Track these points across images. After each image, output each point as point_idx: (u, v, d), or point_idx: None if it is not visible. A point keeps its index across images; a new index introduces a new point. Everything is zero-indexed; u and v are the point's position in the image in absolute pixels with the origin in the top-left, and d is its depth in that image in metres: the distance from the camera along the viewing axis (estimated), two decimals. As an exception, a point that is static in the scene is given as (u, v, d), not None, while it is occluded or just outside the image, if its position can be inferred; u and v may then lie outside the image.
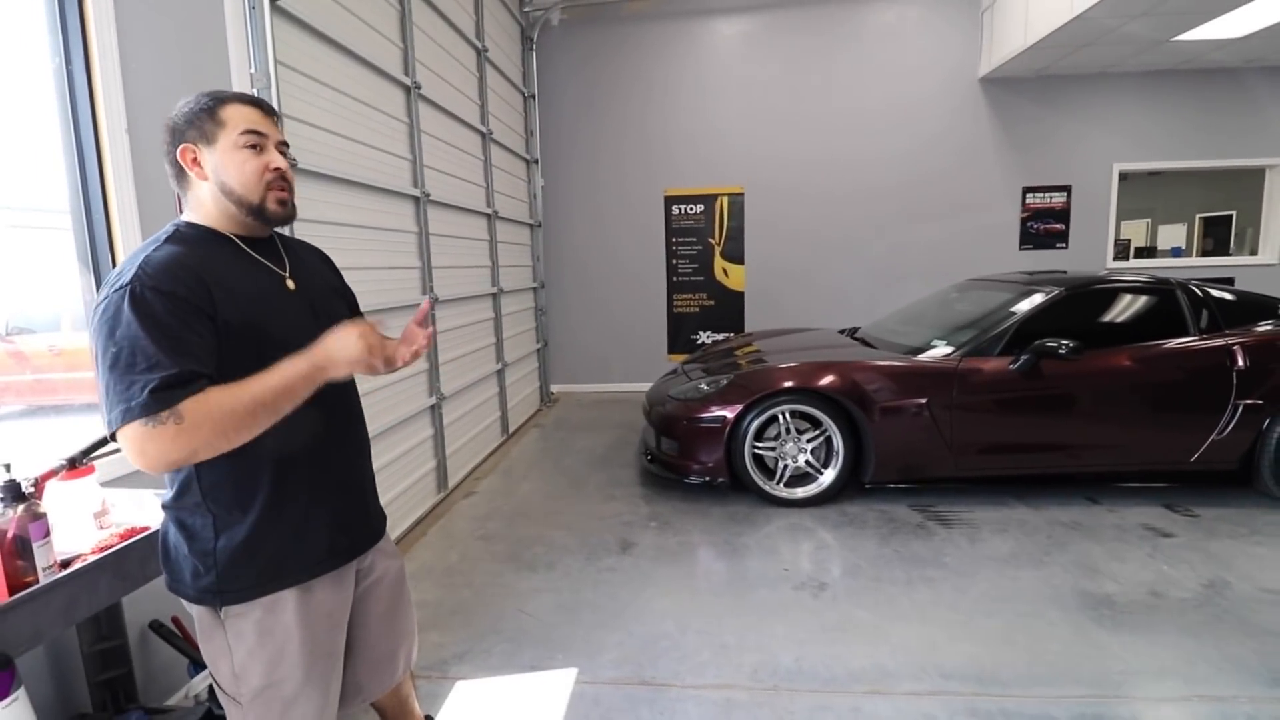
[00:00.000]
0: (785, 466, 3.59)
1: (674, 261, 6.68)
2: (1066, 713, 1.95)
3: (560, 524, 3.47)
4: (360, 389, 1.42)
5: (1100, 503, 3.51)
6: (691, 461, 3.67)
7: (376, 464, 1.70)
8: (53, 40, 1.83)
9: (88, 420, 2.11)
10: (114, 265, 1.93)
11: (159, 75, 2.05)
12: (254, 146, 1.18)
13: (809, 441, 3.56)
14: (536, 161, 6.30)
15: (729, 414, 3.54)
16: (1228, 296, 3.64)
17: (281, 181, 1.21)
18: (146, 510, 1.61)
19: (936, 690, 2.07)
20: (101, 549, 1.36)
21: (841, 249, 6.49)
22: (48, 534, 1.29)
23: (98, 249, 1.92)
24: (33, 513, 1.27)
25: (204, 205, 1.21)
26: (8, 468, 1.29)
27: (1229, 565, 2.81)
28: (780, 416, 3.54)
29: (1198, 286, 3.65)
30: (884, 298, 6.19)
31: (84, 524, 1.47)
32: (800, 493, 3.58)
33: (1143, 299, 3.65)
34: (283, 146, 1.24)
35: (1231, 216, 7.96)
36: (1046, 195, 6.33)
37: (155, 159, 2.01)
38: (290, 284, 1.26)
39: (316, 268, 1.41)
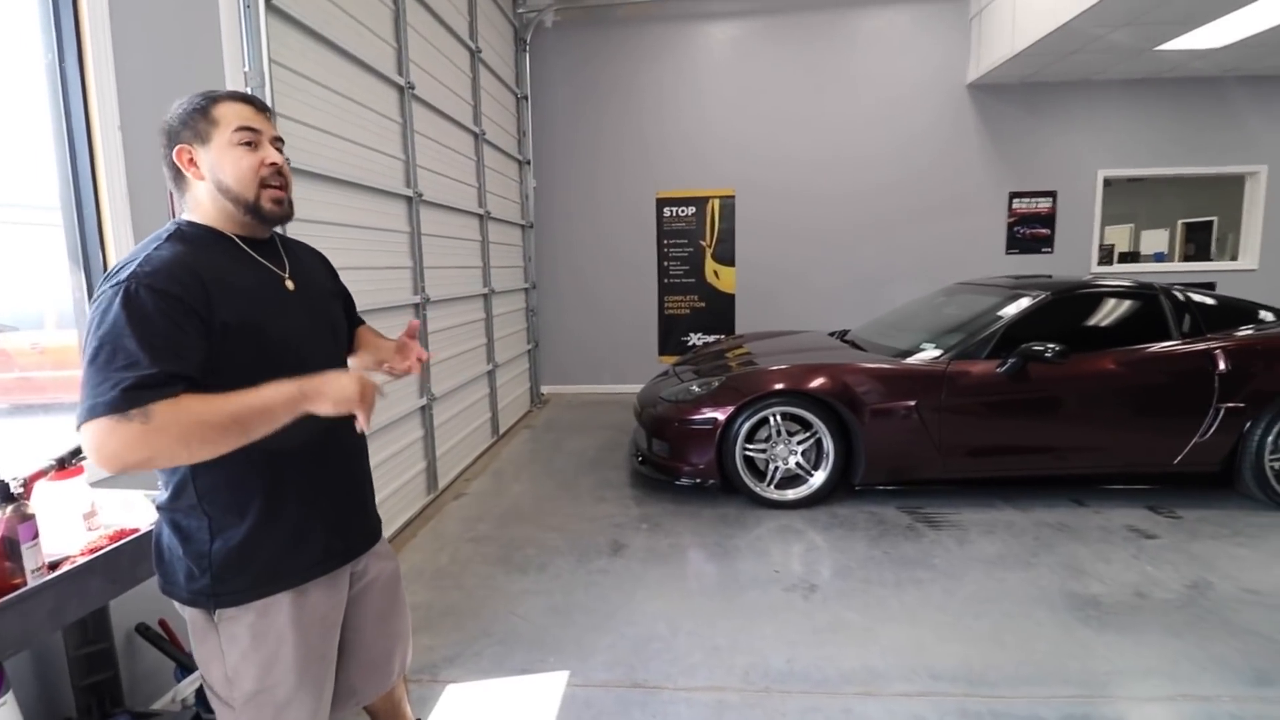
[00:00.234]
0: (776, 468, 3.61)
1: (665, 263, 6.69)
2: (1055, 713, 1.97)
3: (551, 526, 3.46)
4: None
5: (1086, 504, 3.56)
6: (683, 463, 3.67)
7: (369, 465, 1.69)
8: (45, 36, 1.81)
9: (72, 420, 2.08)
10: (105, 263, 1.91)
11: (153, 72, 2.03)
12: (249, 143, 1.17)
13: (800, 443, 3.58)
14: (529, 162, 6.30)
15: (720, 416, 3.55)
16: (1209, 301, 3.71)
17: (278, 178, 1.21)
18: (135, 511, 1.59)
19: (926, 691, 2.08)
20: (92, 550, 1.34)
21: (831, 252, 6.54)
22: (36, 535, 1.27)
23: (89, 247, 1.90)
24: (21, 514, 1.26)
25: (202, 205, 1.20)
26: (-4, 468, 1.27)
27: (1211, 566, 2.85)
28: (771, 418, 3.56)
29: (1180, 291, 3.71)
30: (873, 301, 6.24)
31: (73, 525, 1.45)
32: (791, 494, 3.60)
33: (1127, 303, 3.71)
34: (278, 142, 1.23)
35: (1212, 222, 8.09)
36: (1032, 200, 6.41)
37: (148, 156, 2.00)
38: (289, 284, 1.26)
39: (315, 269, 1.40)
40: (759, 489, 3.60)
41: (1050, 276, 4.36)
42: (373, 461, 3.12)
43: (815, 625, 2.48)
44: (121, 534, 1.42)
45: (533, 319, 6.47)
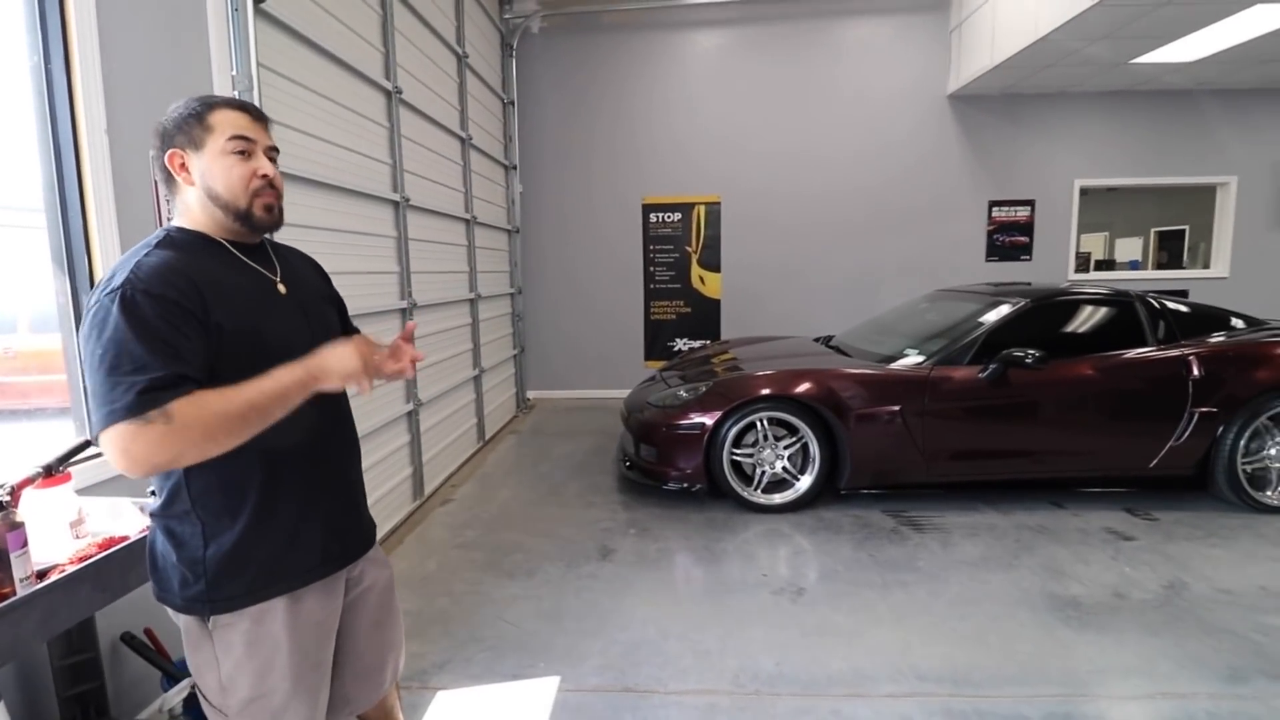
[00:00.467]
0: (763, 473, 3.64)
1: (651, 269, 6.72)
2: (1038, 711, 2.01)
3: (539, 531, 3.46)
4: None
5: (1065, 507, 3.63)
6: (670, 468, 3.69)
7: (355, 471, 1.69)
8: (31, 38, 1.79)
9: (42, 426, 2.04)
10: (90, 267, 1.89)
11: (140, 76, 2.02)
12: (242, 153, 1.17)
13: (786, 448, 3.62)
14: (515, 167, 6.30)
15: (708, 421, 3.58)
16: (1183, 309, 3.81)
17: (269, 189, 1.20)
18: (124, 519, 1.57)
19: (913, 692, 2.12)
20: (81, 559, 1.32)
21: (816, 258, 6.61)
22: (25, 544, 1.25)
23: (74, 251, 1.87)
24: (10, 522, 1.24)
25: (192, 211, 1.20)
26: (-16, 476, 1.25)
27: (1187, 567, 2.93)
28: (758, 423, 3.59)
29: (1155, 299, 3.80)
30: (857, 307, 6.32)
31: (60, 534, 1.43)
32: (778, 499, 3.63)
33: (1104, 310, 3.79)
34: (272, 152, 1.23)
35: (1184, 231, 8.30)
36: (1011, 209, 6.54)
37: (135, 160, 1.99)
38: (281, 288, 1.26)
39: (307, 274, 1.40)
40: (746, 493, 3.63)
41: (1029, 284, 4.45)
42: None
43: (803, 628, 2.50)
44: (110, 542, 1.41)
45: (518, 324, 6.47)
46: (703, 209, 6.60)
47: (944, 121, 6.41)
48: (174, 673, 1.87)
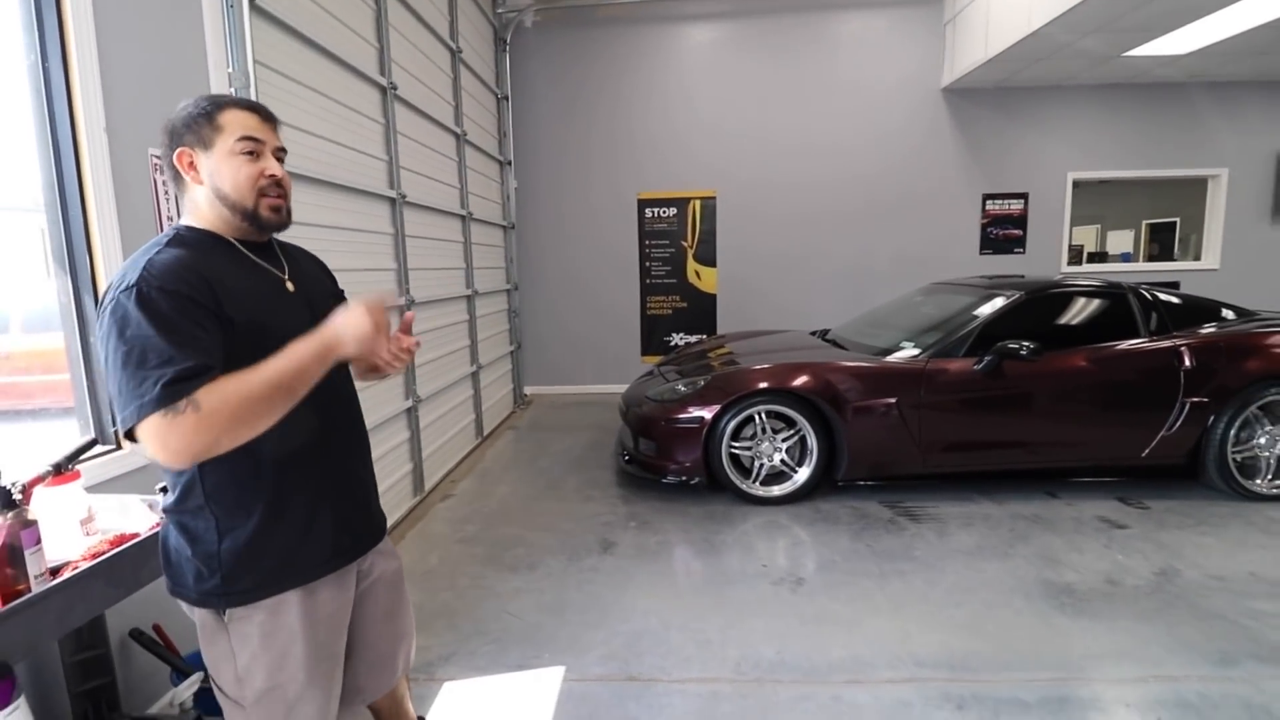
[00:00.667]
0: (761, 465, 3.67)
1: (647, 264, 6.73)
2: (1033, 695, 2.05)
3: (540, 525, 3.49)
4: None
5: (1059, 497, 3.68)
6: (669, 461, 3.72)
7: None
8: (28, 37, 1.79)
9: (36, 426, 2.04)
10: (92, 265, 1.89)
11: (138, 74, 2.02)
12: (250, 153, 1.18)
13: (784, 441, 3.65)
14: (510, 163, 6.29)
15: (707, 414, 3.61)
16: (1175, 300, 3.85)
17: (276, 189, 1.21)
18: (132, 516, 1.59)
19: (912, 678, 2.16)
20: (94, 555, 1.34)
21: (811, 252, 6.64)
22: (38, 541, 1.27)
23: (75, 250, 1.88)
24: (23, 520, 1.26)
25: (200, 209, 1.21)
26: (-3, 474, 1.27)
27: (1179, 554, 2.98)
28: (756, 416, 3.62)
29: (1147, 290, 3.85)
30: (852, 300, 6.35)
31: (71, 531, 1.44)
32: (776, 491, 3.67)
33: (1097, 302, 3.84)
34: (280, 153, 1.24)
35: (1175, 223, 8.37)
36: (1005, 202, 6.58)
37: (135, 158, 1.99)
38: (290, 286, 1.27)
39: (313, 272, 1.41)
40: (745, 486, 3.66)
41: (1023, 276, 4.49)
42: (361, 463, 3.13)
43: (803, 617, 2.54)
44: (122, 539, 1.42)
45: (515, 320, 6.47)
46: (698, 204, 6.62)
47: (938, 115, 6.44)
48: (183, 667, 1.89)
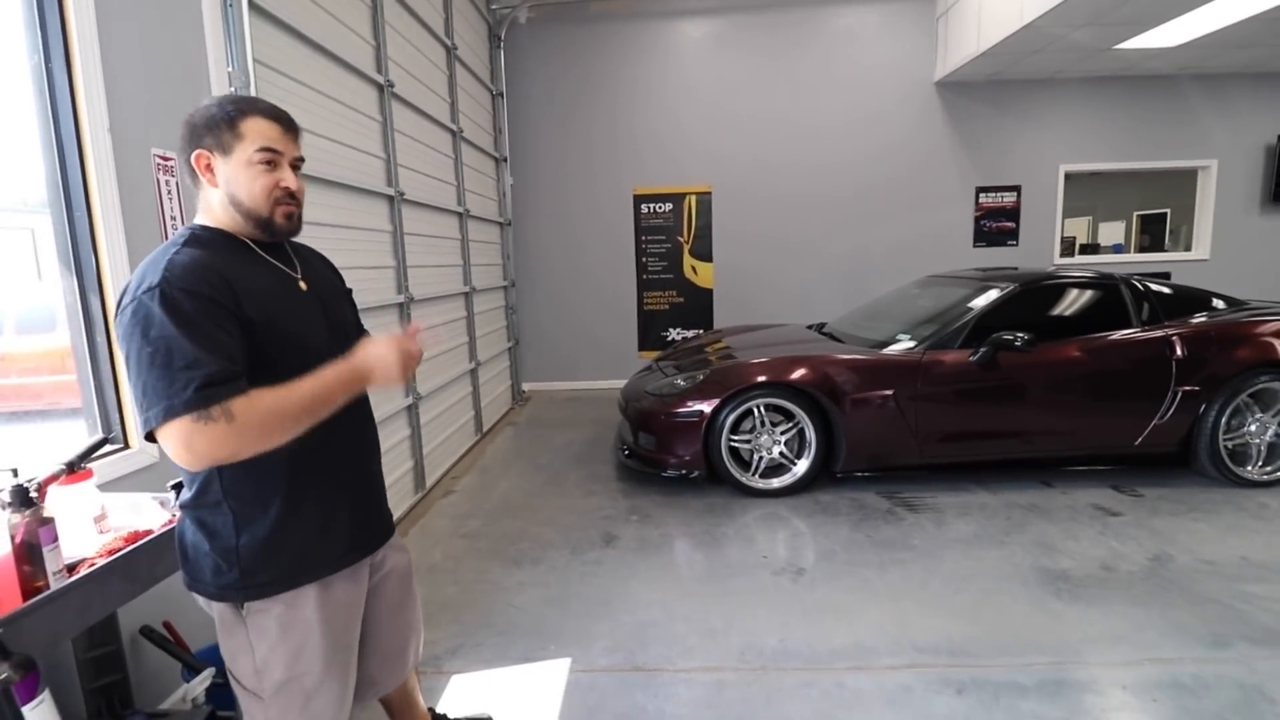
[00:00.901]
0: (760, 458, 3.71)
1: (643, 259, 6.75)
2: (1031, 679, 2.09)
3: (542, 520, 3.51)
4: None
5: (1053, 485, 3.73)
6: (669, 455, 3.75)
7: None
8: (30, 37, 1.79)
9: (20, 429, 2.05)
10: (97, 265, 1.90)
11: (140, 73, 2.02)
12: (268, 163, 1.18)
13: (783, 433, 3.68)
14: (505, 159, 6.29)
15: (706, 408, 3.63)
16: (1166, 290, 3.90)
17: (290, 199, 1.22)
18: (144, 514, 1.60)
19: (912, 663, 2.20)
20: (110, 552, 1.35)
21: (806, 246, 6.67)
22: (56, 539, 1.28)
23: (80, 250, 1.88)
24: (39, 517, 1.27)
25: (213, 210, 1.22)
26: (15, 472, 1.28)
27: (1171, 540, 3.03)
28: (755, 410, 3.65)
29: (1139, 281, 3.89)
30: (848, 293, 6.39)
31: (85, 529, 1.46)
32: (775, 483, 3.70)
33: (1090, 293, 3.88)
34: (298, 162, 1.25)
35: (1166, 214, 8.44)
36: (998, 195, 6.62)
37: (138, 158, 2.00)
38: (303, 285, 1.29)
39: (323, 271, 1.43)
40: (744, 478, 3.70)
41: (1016, 269, 4.54)
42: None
43: (804, 606, 2.58)
44: (136, 535, 1.44)
45: (512, 316, 6.48)
46: (694, 199, 6.63)
47: (931, 108, 6.47)
48: (194, 663, 1.90)
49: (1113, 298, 3.80)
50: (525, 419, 5.85)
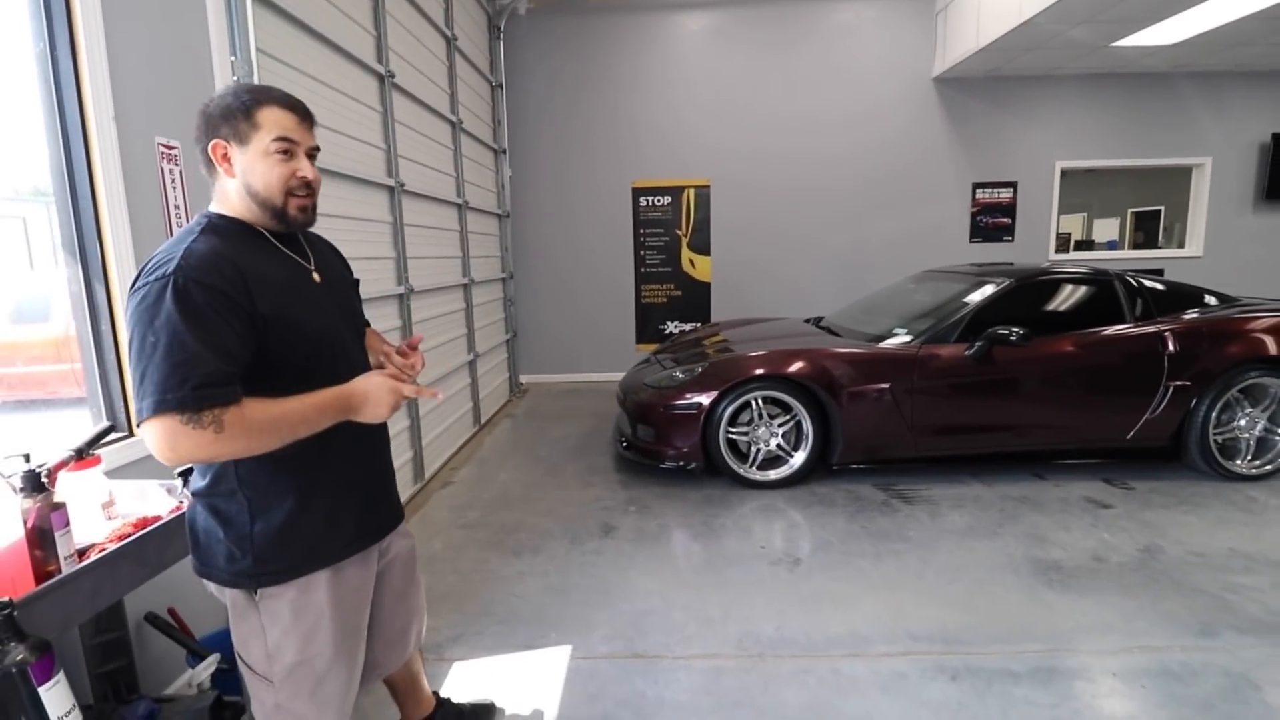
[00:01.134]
0: (758, 450, 3.74)
1: (642, 252, 6.76)
2: (1023, 666, 2.14)
3: (540, 511, 3.54)
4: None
5: (1046, 478, 3.78)
6: (667, 447, 3.78)
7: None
8: (35, 25, 1.79)
9: (15, 418, 2.06)
10: (102, 253, 1.90)
11: (145, 62, 2.02)
12: (285, 153, 1.19)
13: (780, 426, 3.71)
14: (504, 151, 6.28)
15: (705, 400, 3.66)
16: (1159, 286, 3.94)
17: (306, 189, 1.23)
18: (151, 501, 1.62)
19: (907, 651, 2.23)
20: (120, 537, 1.37)
21: (804, 240, 6.69)
22: (67, 524, 1.30)
23: (85, 238, 1.89)
24: (51, 503, 1.29)
25: (229, 199, 1.22)
26: (27, 458, 1.29)
27: (1162, 532, 3.08)
28: (753, 402, 3.68)
29: (1133, 277, 3.93)
30: (844, 288, 6.43)
31: (93, 515, 1.47)
32: (772, 475, 3.74)
33: (1084, 289, 3.92)
34: (314, 151, 1.25)
35: (1160, 212, 8.49)
36: (994, 191, 6.66)
37: (143, 146, 2.00)
38: (316, 276, 1.30)
39: (333, 261, 1.45)
40: (742, 470, 3.73)
41: (1012, 264, 4.57)
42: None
43: (801, 595, 2.61)
44: (145, 521, 1.45)
45: (510, 309, 6.49)
46: (692, 192, 6.64)
47: (929, 104, 6.49)
48: (198, 650, 1.92)
49: (1106, 294, 3.84)
50: (523, 411, 5.87)
